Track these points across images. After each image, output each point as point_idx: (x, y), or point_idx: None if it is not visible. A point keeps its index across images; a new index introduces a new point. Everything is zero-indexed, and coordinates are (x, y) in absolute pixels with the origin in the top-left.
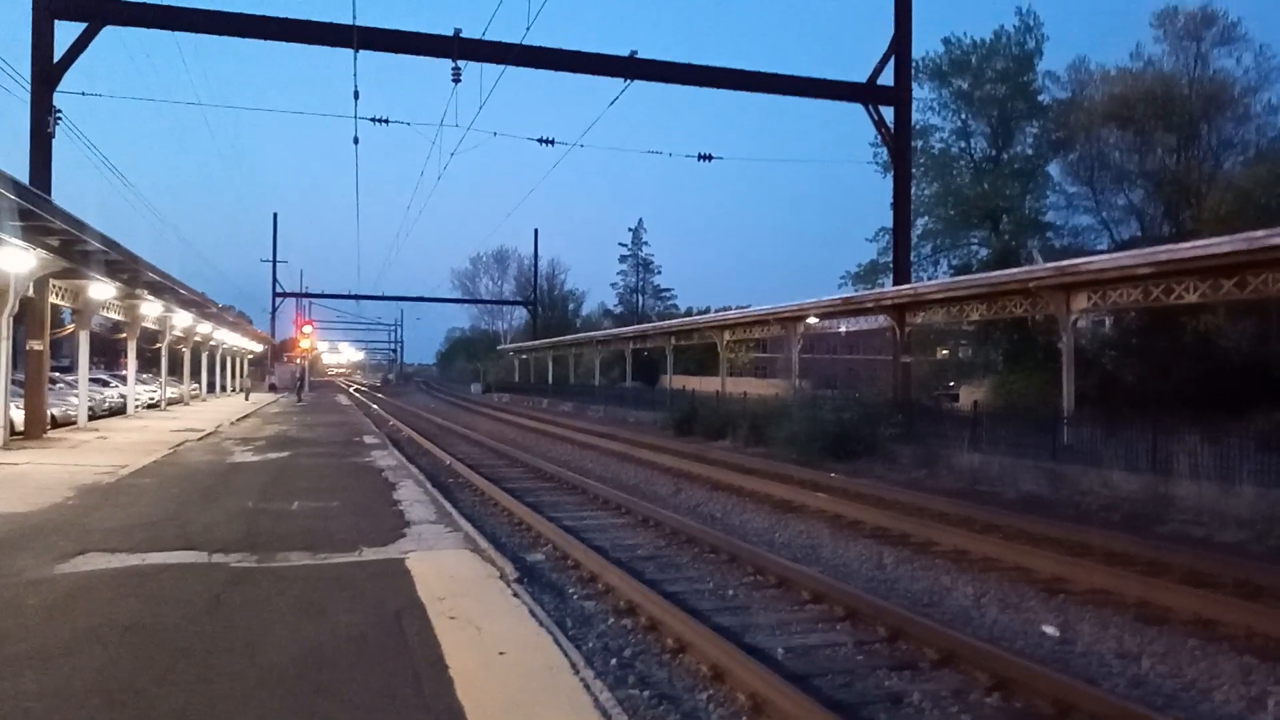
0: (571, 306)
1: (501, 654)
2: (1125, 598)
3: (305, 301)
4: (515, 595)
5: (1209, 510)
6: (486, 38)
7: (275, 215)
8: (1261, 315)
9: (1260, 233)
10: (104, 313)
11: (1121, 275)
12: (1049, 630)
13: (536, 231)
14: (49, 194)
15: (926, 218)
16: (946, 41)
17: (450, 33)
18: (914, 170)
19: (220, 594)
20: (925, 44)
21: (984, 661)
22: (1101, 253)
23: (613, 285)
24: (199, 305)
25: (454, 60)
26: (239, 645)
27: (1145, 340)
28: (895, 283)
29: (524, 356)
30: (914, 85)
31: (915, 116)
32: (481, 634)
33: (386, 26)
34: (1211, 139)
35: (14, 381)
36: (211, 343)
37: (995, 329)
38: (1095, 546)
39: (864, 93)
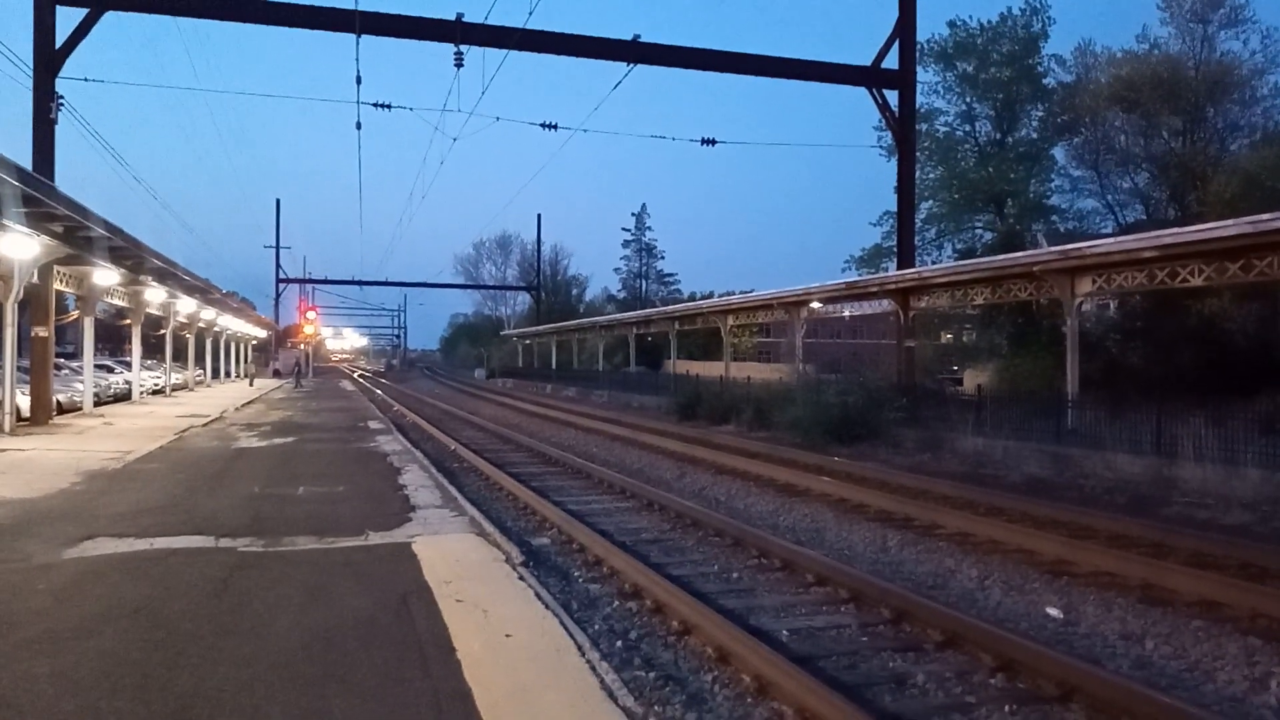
0: (575, 292)
1: (508, 636)
2: (1129, 580)
3: (308, 287)
4: (521, 579)
5: (1213, 493)
6: (489, 22)
7: (278, 201)
8: (1266, 298)
9: (1265, 216)
10: (108, 299)
11: (1126, 259)
12: (1053, 612)
13: (540, 216)
14: (52, 180)
15: (931, 201)
16: (951, 24)
17: (453, 17)
18: (918, 154)
19: (228, 578)
20: (930, 27)
21: (988, 643)
22: (1106, 236)
23: (616, 270)
24: (202, 291)
25: (456, 45)
26: (247, 629)
27: (1150, 323)
28: (899, 267)
29: (527, 342)
30: (918, 68)
31: (920, 100)
32: (488, 617)
33: (389, 11)
34: (1217, 122)
35: (19, 368)
36: (215, 329)
37: (999, 313)
38: (1099, 529)
39: (868, 76)
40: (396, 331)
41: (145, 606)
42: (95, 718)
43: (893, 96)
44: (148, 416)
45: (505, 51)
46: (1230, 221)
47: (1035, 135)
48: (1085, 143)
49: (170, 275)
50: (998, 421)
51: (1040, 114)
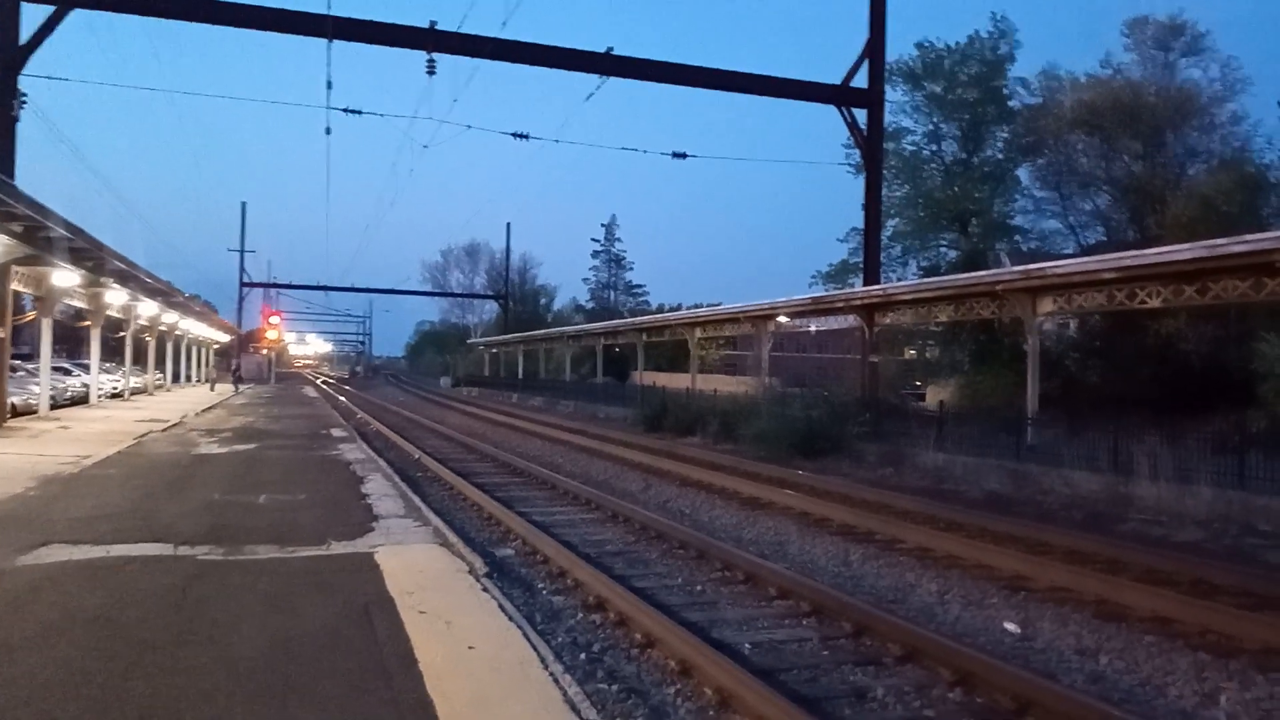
0: (543, 301)
1: (471, 648)
2: (1085, 595)
3: (273, 292)
4: (485, 590)
5: (1167, 510)
6: (462, 30)
7: (244, 204)
8: (1221, 320)
9: (1221, 240)
10: (67, 300)
11: (1086, 279)
12: (1010, 627)
13: (509, 225)
14: (13, 179)
15: (897, 219)
16: (920, 45)
17: (426, 25)
18: (885, 172)
19: (187, 587)
20: (899, 48)
21: (946, 657)
22: (1067, 257)
23: (585, 281)
24: (164, 294)
25: (429, 52)
26: (206, 639)
27: (1108, 343)
28: (865, 283)
29: (494, 351)
30: (887, 88)
31: (888, 119)
32: (451, 628)
33: (361, 17)
34: (1177, 147)
35: None
36: (177, 332)
37: (962, 330)
38: (1056, 545)
39: (838, 94)
40: (361, 338)
41: (102, 615)
42: None
43: (861, 115)
44: (105, 421)
45: (478, 60)
46: (1187, 245)
47: (1000, 156)
48: (1048, 164)
49: (131, 277)
50: (959, 437)
51: (1005, 135)
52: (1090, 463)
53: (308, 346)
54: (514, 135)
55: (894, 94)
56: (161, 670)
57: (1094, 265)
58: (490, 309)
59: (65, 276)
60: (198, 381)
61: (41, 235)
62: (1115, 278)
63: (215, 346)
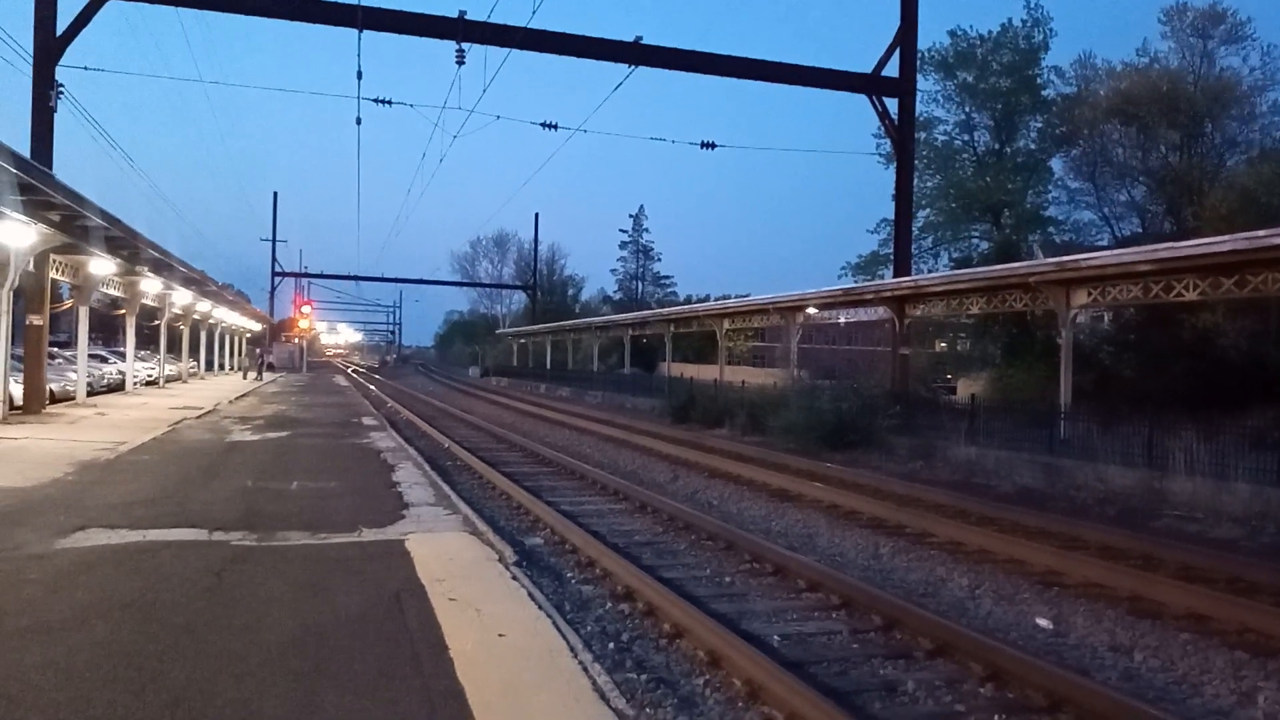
0: (571, 292)
1: (501, 636)
2: (1119, 592)
3: (304, 281)
4: (514, 578)
5: (1203, 506)
6: (492, 20)
7: (275, 194)
8: (1260, 314)
9: (1261, 232)
10: (103, 289)
11: (1122, 272)
12: (1042, 622)
13: (537, 216)
14: (50, 168)
15: (928, 210)
16: (952, 34)
17: (455, 14)
18: (916, 162)
19: (221, 572)
20: (931, 36)
21: (978, 652)
22: (1102, 249)
23: (612, 271)
24: (198, 283)
25: (458, 42)
26: (239, 623)
27: (1144, 337)
28: (895, 275)
29: (522, 341)
30: (919, 77)
31: (919, 108)
32: (481, 616)
33: (391, 7)
34: (1215, 137)
35: (13, 356)
36: (210, 321)
37: (994, 322)
38: (1090, 540)
39: (869, 84)
40: (391, 328)
41: (138, 598)
42: (88, 708)
43: (892, 104)
44: (141, 408)
45: (507, 50)
46: (1226, 237)
47: (1033, 146)
48: (1083, 155)
49: (166, 266)
50: (990, 431)
51: (1039, 125)
52: (1125, 458)
53: (338, 336)
54: (543, 125)
55: (925, 83)
56: (196, 653)
57: (1130, 257)
58: (519, 299)
59: (102, 265)
60: (231, 370)
61: (78, 224)
62: (1151, 270)
63: (248, 335)
